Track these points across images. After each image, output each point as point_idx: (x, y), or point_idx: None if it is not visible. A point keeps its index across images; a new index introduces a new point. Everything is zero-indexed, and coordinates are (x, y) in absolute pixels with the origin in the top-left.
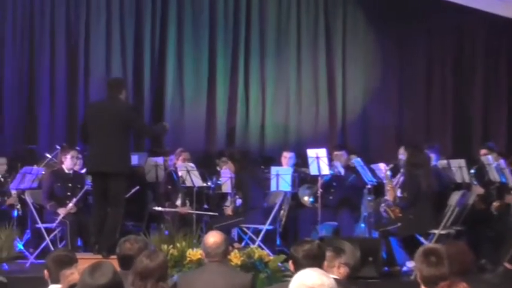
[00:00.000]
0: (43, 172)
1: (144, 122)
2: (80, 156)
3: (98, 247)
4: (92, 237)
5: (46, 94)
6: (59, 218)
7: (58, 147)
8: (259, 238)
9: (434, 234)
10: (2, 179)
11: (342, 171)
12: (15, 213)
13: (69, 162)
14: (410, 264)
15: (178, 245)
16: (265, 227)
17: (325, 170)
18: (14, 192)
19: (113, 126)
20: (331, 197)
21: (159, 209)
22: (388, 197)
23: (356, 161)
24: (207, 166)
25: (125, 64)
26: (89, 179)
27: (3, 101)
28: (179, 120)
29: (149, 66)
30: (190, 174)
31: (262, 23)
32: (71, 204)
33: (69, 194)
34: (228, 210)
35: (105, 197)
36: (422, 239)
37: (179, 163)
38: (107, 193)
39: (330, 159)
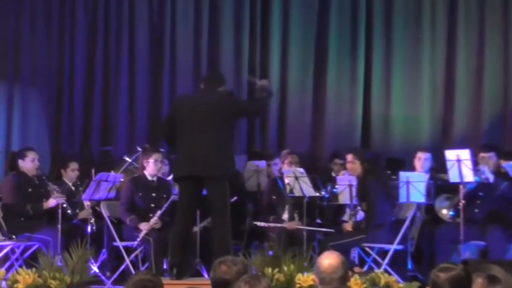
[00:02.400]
0: (121, 179)
1: (247, 102)
2: (165, 160)
3: (177, 271)
4: (170, 257)
5: (124, 88)
6: (141, 234)
7: (139, 149)
8: (386, 260)
9: None
10: (73, 188)
11: (491, 177)
12: (89, 229)
13: (152, 168)
14: None
15: (285, 268)
16: (394, 246)
17: (469, 177)
18: (87, 203)
19: (213, 120)
20: (476, 210)
21: (262, 224)
22: None
23: (509, 165)
24: (317, 171)
25: (217, 53)
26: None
27: (73, 97)
28: (283, 116)
29: (247, 55)
30: (299, 182)
31: None
32: (155, 218)
33: (152, 205)
34: (347, 226)
35: (193, 210)
36: None
37: (285, 168)
38: (196, 205)
39: (475, 163)
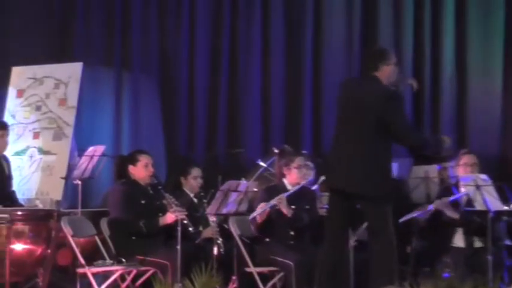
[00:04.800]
0: (255, 189)
1: (406, 122)
2: (310, 164)
3: None
4: (316, 286)
5: (256, 76)
6: (258, 210)
7: (276, 150)
8: None
9: None
10: (196, 200)
11: None
12: (215, 250)
13: (295, 175)
14: None
15: None
16: None
17: None
18: (212, 219)
19: (362, 120)
20: None
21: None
22: None
23: None
24: (506, 178)
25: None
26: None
27: (194, 88)
28: (461, 108)
29: (412, 29)
30: (481, 192)
31: None
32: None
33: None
34: None
35: (345, 228)
36: None
37: (461, 171)
38: (349, 222)
39: None
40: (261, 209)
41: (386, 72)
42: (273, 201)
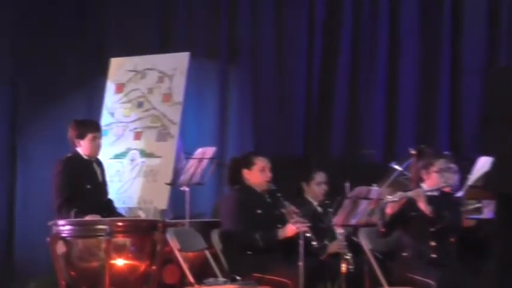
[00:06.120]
0: (388, 196)
1: None
2: (453, 167)
3: None
4: None
5: (381, 66)
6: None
7: (413, 151)
8: None
9: None
10: (320, 209)
11: None
12: (343, 267)
13: (435, 179)
14: None
15: None
16: None
17: None
18: (340, 231)
19: None
20: None
21: None
22: None
23: None
24: None
25: None
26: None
27: (310, 86)
28: None
29: None
30: None
31: None
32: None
33: (433, 229)
34: None
35: None
36: None
37: None
38: None
39: None
40: (398, 197)
41: None
42: (411, 193)
